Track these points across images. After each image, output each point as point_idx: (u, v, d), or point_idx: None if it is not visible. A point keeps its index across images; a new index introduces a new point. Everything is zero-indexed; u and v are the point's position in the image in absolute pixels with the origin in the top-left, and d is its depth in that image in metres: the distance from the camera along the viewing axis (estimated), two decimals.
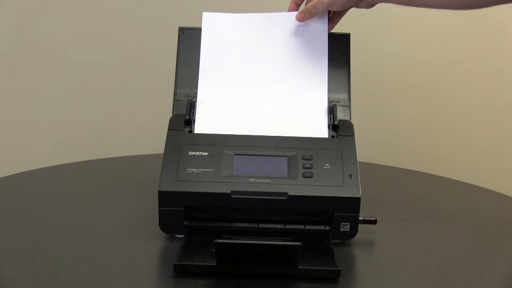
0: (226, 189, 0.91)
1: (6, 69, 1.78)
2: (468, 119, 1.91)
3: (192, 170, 0.93)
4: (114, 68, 1.80)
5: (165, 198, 0.91)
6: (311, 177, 0.93)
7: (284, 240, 0.90)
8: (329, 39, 1.08)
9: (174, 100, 1.06)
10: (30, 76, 1.79)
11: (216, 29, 1.08)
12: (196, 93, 1.05)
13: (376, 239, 0.98)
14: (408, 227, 1.04)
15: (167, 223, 0.93)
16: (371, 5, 1.06)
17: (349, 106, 1.06)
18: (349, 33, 1.10)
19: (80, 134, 1.83)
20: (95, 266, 0.86)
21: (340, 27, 1.12)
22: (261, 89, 1.06)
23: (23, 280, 0.81)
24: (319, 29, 1.08)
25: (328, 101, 1.05)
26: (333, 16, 1.09)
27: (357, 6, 1.06)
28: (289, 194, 0.91)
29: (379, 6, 1.09)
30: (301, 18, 1.06)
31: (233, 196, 0.91)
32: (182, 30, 1.09)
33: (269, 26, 1.08)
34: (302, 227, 0.94)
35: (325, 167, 0.94)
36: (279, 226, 0.94)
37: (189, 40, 1.09)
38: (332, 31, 1.09)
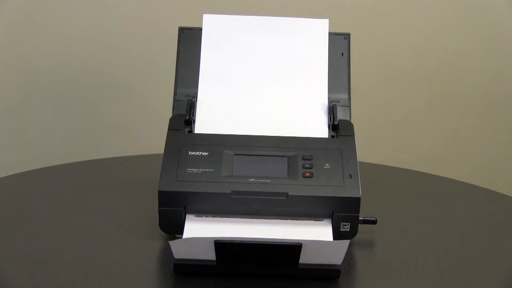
0: (226, 189, 0.91)
1: (6, 68, 1.78)
2: (468, 119, 1.91)
3: (192, 170, 0.93)
4: (114, 68, 1.80)
5: (165, 198, 0.91)
6: (311, 177, 0.93)
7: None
8: (329, 39, 1.08)
9: (174, 100, 1.06)
10: (30, 76, 1.79)
11: (216, 30, 1.08)
12: (196, 93, 1.05)
13: (376, 239, 0.98)
14: (408, 227, 1.04)
15: (167, 223, 0.93)
16: None
17: (349, 106, 1.06)
18: (349, 33, 1.10)
19: (79, 134, 1.83)
20: (95, 266, 0.86)
21: (340, 27, 1.12)
22: (261, 89, 1.06)
23: (23, 280, 0.81)
24: (319, 29, 1.08)
25: (328, 101, 1.05)
26: None
27: None
28: (289, 194, 0.91)
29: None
30: None
31: (233, 196, 0.91)
32: (182, 30, 1.09)
33: (269, 27, 1.08)
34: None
35: (325, 167, 0.94)
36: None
37: (189, 40, 1.09)
38: (332, 31, 1.09)
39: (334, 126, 1.02)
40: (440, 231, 1.03)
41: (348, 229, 0.93)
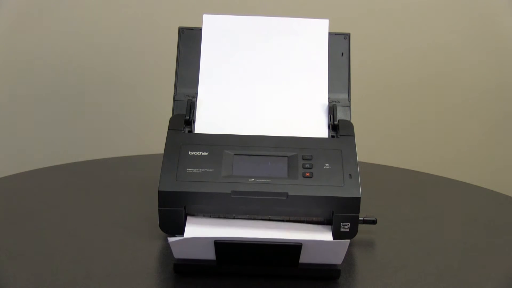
0: (226, 189, 0.91)
1: (6, 68, 1.78)
2: (468, 119, 1.91)
3: (192, 170, 0.93)
4: (114, 68, 1.80)
5: (165, 198, 0.91)
6: (311, 177, 0.93)
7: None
8: (329, 39, 1.08)
9: (174, 100, 1.06)
10: (30, 76, 1.79)
11: (216, 30, 1.08)
12: (196, 93, 1.06)
13: (376, 239, 0.98)
14: (408, 227, 1.04)
15: (167, 223, 0.93)
16: None
17: (349, 106, 1.06)
18: (349, 33, 1.10)
19: (80, 134, 1.83)
20: (95, 266, 0.86)
21: (340, 27, 1.12)
22: (261, 89, 1.06)
23: (23, 280, 0.81)
24: (319, 29, 1.08)
25: (328, 101, 1.05)
26: None
27: None
28: (289, 194, 0.91)
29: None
30: None
31: (233, 196, 0.91)
32: (182, 30, 1.09)
33: (269, 27, 1.09)
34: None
35: (325, 167, 0.94)
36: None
37: (189, 40, 1.09)
38: (332, 31, 1.09)
39: (334, 126, 1.02)
40: (440, 231, 1.03)
41: (348, 229, 0.93)
